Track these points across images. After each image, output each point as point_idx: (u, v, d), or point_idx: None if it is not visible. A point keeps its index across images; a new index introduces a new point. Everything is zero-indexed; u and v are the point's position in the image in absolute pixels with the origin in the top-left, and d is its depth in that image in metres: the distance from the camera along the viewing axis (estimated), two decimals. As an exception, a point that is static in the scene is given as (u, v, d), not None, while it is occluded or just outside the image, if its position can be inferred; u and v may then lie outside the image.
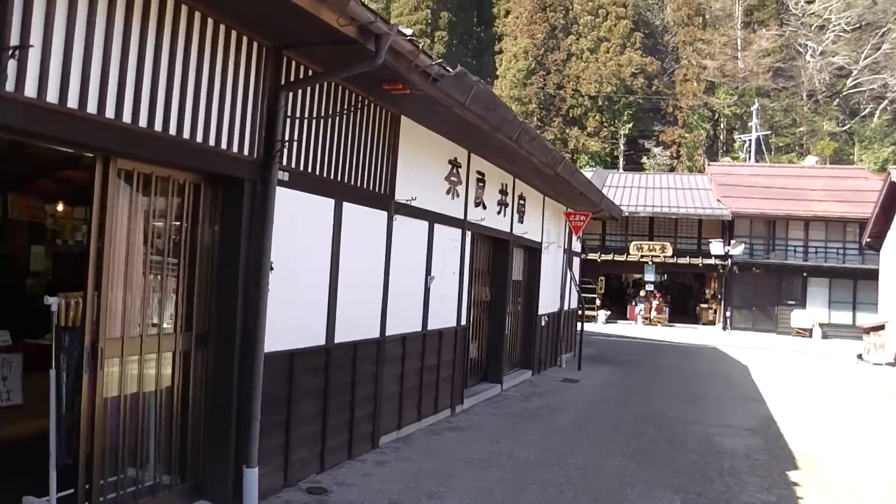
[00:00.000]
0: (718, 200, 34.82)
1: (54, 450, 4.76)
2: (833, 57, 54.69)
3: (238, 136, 5.58)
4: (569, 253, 17.74)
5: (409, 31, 5.82)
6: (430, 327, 9.39)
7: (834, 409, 13.29)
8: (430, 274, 9.25)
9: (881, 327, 21.55)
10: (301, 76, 6.22)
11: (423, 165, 8.92)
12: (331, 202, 6.88)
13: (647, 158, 58.58)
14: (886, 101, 53.69)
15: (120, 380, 5.08)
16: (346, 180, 7.13)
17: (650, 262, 34.73)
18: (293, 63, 6.12)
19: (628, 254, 35.14)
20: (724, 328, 33.74)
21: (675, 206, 35.18)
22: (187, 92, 5.02)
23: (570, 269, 17.82)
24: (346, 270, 7.14)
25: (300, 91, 6.25)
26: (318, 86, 6.48)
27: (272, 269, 5.86)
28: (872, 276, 29.47)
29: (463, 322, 10.62)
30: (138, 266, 5.18)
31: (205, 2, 5.03)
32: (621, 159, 59.06)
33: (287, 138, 6.04)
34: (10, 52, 3.69)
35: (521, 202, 13.38)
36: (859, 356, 22.91)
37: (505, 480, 7.25)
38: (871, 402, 14.57)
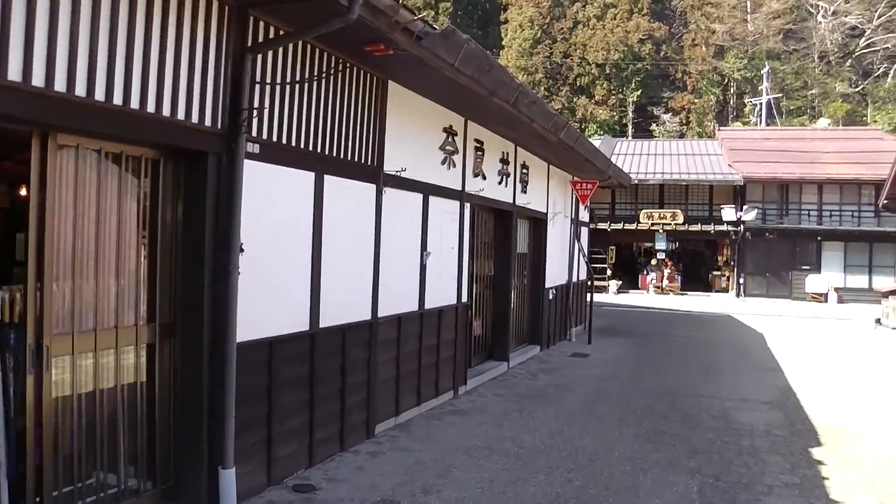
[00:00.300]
0: (730, 165, 34.11)
1: (4, 459, 4.31)
2: (845, 17, 53.60)
3: (199, 106, 5.04)
4: (576, 223, 17.16)
5: (385, -17, 5.27)
6: (427, 306, 8.88)
7: (855, 378, 12.74)
8: (425, 250, 8.72)
9: (900, 290, 20.96)
10: (269, 37, 5.64)
11: (414, 134, 8.36)
12: (310, 176, 6.34)
13: (657, 126, 57.82)
14: (900, 61, 52.73)
15: (73, 379, 4.58)
16: (327, 152, 6.58)
17: (661, 230, 34.11)
18: (260, 23, 5.54)
19: (638, 222, 34.50)
20: (738, 295, 33.14)
21: (686, 173, 34.45)
22: (134, 56, 4.46)
23: (578, 240, 17.24)
24: (330, 249, 6.61)
25: (269, 54, 5.67)
26: (290, 48, 5.91)
27: (242, 250, 5.34)
28: (889, 238, 28.95)
29: (464, 299, 10.09)
30: (89, 254, 4.66)
31: (150, -47, 4.49)
32: (630, 127, 58.26)
33: (256, 106, 5.50)
34: None
35: (524, 171, 12.80)
36: (877, 320, 22.33)
37: (508, 469, 6.75)
38: (890, 369, 14.00)
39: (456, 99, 8.51)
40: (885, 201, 25.90)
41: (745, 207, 32.74)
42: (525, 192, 12.83)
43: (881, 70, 54.09)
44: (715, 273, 36.46)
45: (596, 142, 32.27)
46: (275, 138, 5.82)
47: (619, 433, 8.23)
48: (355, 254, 7.20)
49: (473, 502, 5.91)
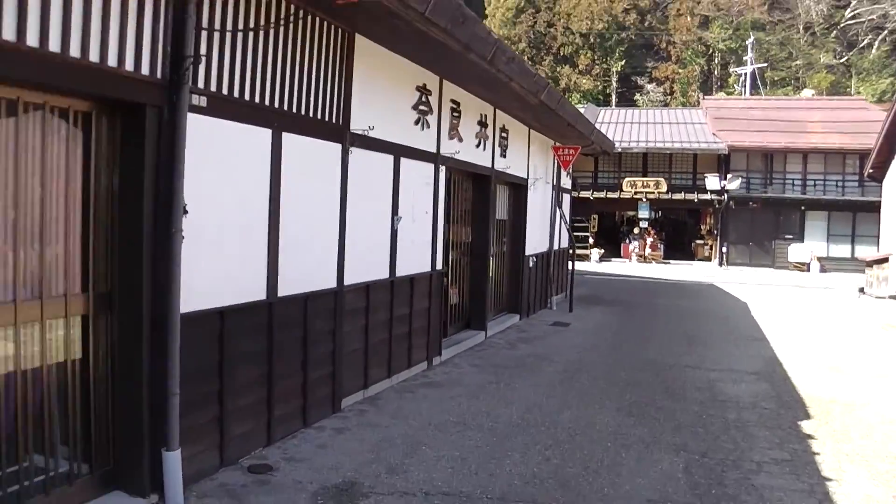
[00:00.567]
0: (714, 134, 33.77)
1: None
2: (832, -13, 53.15)
3: (134, 51, 4.50)
4: (558, 190, 16.71)
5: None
6: (399, 273, 8.42)
7: (840, 347, 12.41)
8: (396, 214, 8.25)
9: (884, 260, 20.69)
10: (216, -23, 5.13)
11: (385, 92, 7.85)
12: (266, 132, 5.84)
13: (641, 95, 57.56)
14: (886, 32, 52.37)
15: (-10, 355, 4.11)
16: (286, 107, 6.07)
17: (644, 199, 33.82)
18: (206, -39, 5.03)
19: (621, 191, 34.20)
20: (721, 264, 32.94)
21: (670, 141, 34.06)
22: (53, -10, 3.96)
23: (560, 207, 16.80)
24: (289, 212, 6.13)
25: (217, -4, 5.17)
26: (241, -9, 5.41)
27: (186, 212, 4.85)
28: (872, 208, 28.64)
29: (439, 266, 9.64)
30: (7, 216, 4.16)
31: None
32: (614, 97, 57.97)
33: (202, 54, 4.98)
34: None
35: (504, 135, 12.32)
36: (861, 290, 22.10)
37: (481, 447, 6.33)
38: (877, 338, 13.69)
39: (429, 55, 8.00)
40: (870, 171, 25.69)
41: (729, 176, 32.45)
42: (504, 157, 12.35)
43: (866, 41, 53.83)
44: (698, 242, 36.28)
45: (580, 109, 31.73)
46: (225, 91, 5.31)
47: (601, 406, 7.83)
48: (318, 218, 6.72)
49: (442, 484, 5.49)
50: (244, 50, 5.47)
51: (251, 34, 5.52)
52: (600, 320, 14.59)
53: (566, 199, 18.68)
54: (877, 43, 52.88)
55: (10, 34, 3.71)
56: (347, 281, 7.21)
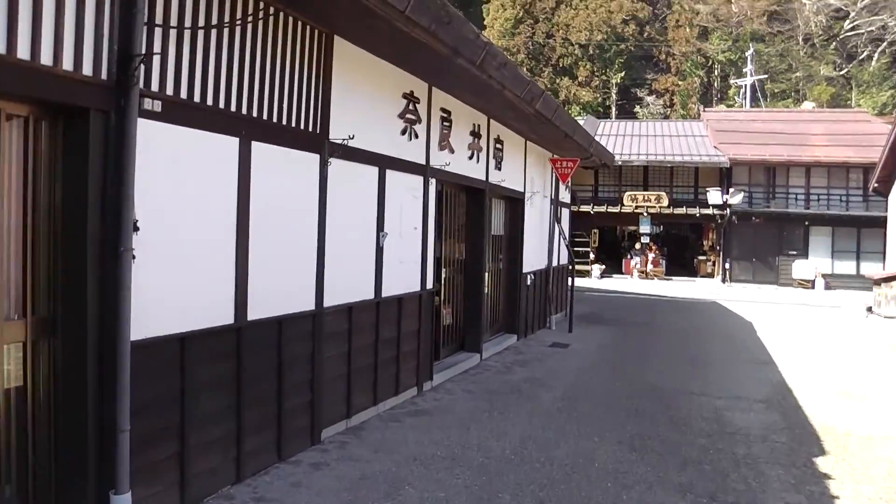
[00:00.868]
0: (715, 147, 33.21)
1: None
2: (830, -2, 52.80)
3: (73, 49, 4.00)
4: (556, 204, 16.19)
5: None
6: (385, 294, 7.89)
7: (851, 371, 11.85)
8: (382, 230, 7.73)
9: (893, 278, 20.09)
10: (171, -33, 4.63)
11: (368, 99, 7.35)
12: (233, 141, 5.33)
13: (640, 108, 57.11)
14: (885, 44, 51.92)
15: None
16: (255, 114, 5.56)
17: (645, 213, 33.23)
18: (158, -51, 4.53)
19: (622, 205, 33.61)
20: (724, 281, 32.36)
21: (671, 154, 33.47)
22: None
23: (559, 222, 16.28)
24: (260, 230, 5.62)
25: (173, -11, 4.66)
26: (202, -15, 4.91)
27: (137, 228, 4.34)
28: (877, 223, 28.13)
29: (429, 285, 9.11)
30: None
31: None
32: (613, 109, 57.50)
33: (156, 52, 4.48)
34: None
35: (499, 146, 11.81)
36: (869, 309, 21.49)
37: (470, 487, 5.78)
38: (888, 361, 13.11)
39: (415, 59, 7.51)
40: (875, 185, 25.18)
41: (731, 190, 31.90)
42: (499, 169, 11.84)
43: (865, 53, 53.40)
44: (700, 258, 35.66)
45: (579, 122, 31.26)
46: (184, 94, 4.80)
47: (600, 439, 7.28)
48: (294, 236, 6.20)
49: (425, 530, 4.97)
50: (206, 50, 4.97)
51: (215, 32, 5.01)
52: (601, 341, 14.04)
53: (565, 213, 18.16)
54: (876, 55, 52.45)
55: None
56: (328, 302, 6.69)
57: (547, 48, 57.68)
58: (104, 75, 4.20)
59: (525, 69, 53.36)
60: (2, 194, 4.00)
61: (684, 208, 33.07)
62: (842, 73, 54.17)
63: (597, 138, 29.53)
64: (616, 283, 30.42)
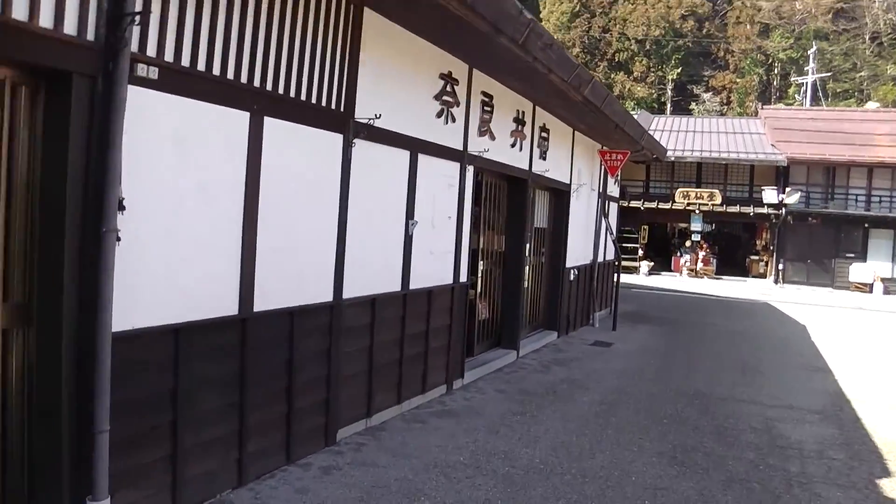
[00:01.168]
0: (773, 145, 32.12)
1: None
2: (902, -5, 51.01)
3: (55, 4, 3.58)
4: (604, 198, 15.55)
5: None
6: (413, 286, 7.41)
7: (915, 383, 11.12)
8: (412, 218, 7.25)
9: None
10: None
11: (400, 78, 6.86)
12: (243, 116, 4.88)
13: (696, 104, 55.96)
14: (958, 44, 50.13)
15: None
16: (269, 87, 5.10)
17: (697, 211, 32.29)
18: None
19: (674, 201, 32.68)
20: (776, 282, 31.33)
21: (726, 151, 32.46)
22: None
23: (606, 216, 15.63)
24: (271, 213, 5.17)
25: (175, -59, 4.21)
26: (210, -60, 4.45)
27: (123, 207, 3.91)
28: (943, 226, 27.00)
29: (463, 278, 8.61)
30: None
31: None
32: (668, 105, 56.46)
33: (151, 11, 4.04)
34: None
35: (544, 135, 11.25)
36: (932, 315, 20.55)
37: (492, 500, 5.29)
38: (956, 373, 12.35)
39: (453, 37, 7.00)
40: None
41: (787, 190, 30.81)
42: (544, 159, 11.28)
43: (937, 53, 51.56)
44: (752, 258, 34.64)
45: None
46: (185, 62, 4.35)
47: (639, 449, 6.73)
48: (310, 221, 5.74)
49: (436, 551, 4.48)
50: (214, 12, 4.51)
51: (223, -5, 4.57)
52: (646, 341, 13.42)
53: (613, 208, 17.52)
54: (948, 55, 50.69)
55: None
56: (347, 294, 6.23)
57: (603, 42, 56.92)
58: (91, 35, 3.76)
59: (581, 63, 52.61)
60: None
61: (738, 206, 32.07)
62: (910, 73, 52.39)
63: (649, 133, 28.85)
64: (664, 281, 29.61)
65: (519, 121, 10.00)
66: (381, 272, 6.86)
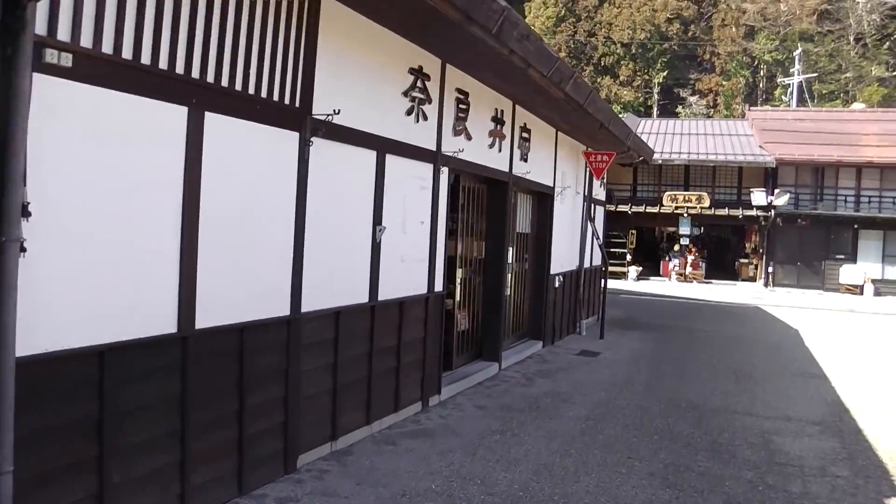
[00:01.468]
0: (761, 147, 31.82)
1: None
2: (885, -4, 50.88)
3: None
4: (589, 201, 15.05)
5: None
6: (383, 297, 6.88)
7: (915, 390, 10.66)
8: (379, 224, 6.72)
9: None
10: None
11: (364, 72, 6.34)
12: (180, 111, 4.35)
13: (683, 108, 55.84)
14: (943, 44, 50.01)
15: None
16: (211, 79, 4.58)
17: (685, 214, 31.91)
18: None
19: (661, 205, 32.32)
20: (766, 285, 30.97)
21: (714, 153, 32.15)
22: None
23: (592, 221, 15.14)
24: (214, 218, 4.64)
25: None
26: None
27: (28, 214, 3.39)
28: (933, 227, 26.69)
29: (438, 287, 8.09)
30: None
31: None
32: (655, 109, 56.19)
33: (61, -10, 3.53)
34: None
35: (525, 136, 10.75)
36: (925, 317, 20.17)
37: (464, 534, 4.79)
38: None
39: (422, 28, 6.51)
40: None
41: (776, 191, 30.49)
42: (525, 161, 10.78)
43: (921, 53, 51.45)
44: (742, 261, 34.28)
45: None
46: (107, 49, 3.82)
47: (628, 470, 6.22)
48: (262, 227, 5.21)
49: None
50: (140, -5, 4.00)
51: (151, -26, 4.05)
52: (635, 349, 12.94)
53: (599, 211, 17.03)
54: (934, 55, 50.57)
55: None
56: (307, 307, 5.70)
57: (589, 47, 56.68)
58: (-17, 15, 3.24)
59: (566, 67, 52.31)
60: None
61: (726, 209, 31.76)
62: (895, 73, 52.21)
63: (636, 134, 28.46)
64: (653, 286, 29.19)
65: (498, 120, 9.50)
66: (346, 282, 6.33)
